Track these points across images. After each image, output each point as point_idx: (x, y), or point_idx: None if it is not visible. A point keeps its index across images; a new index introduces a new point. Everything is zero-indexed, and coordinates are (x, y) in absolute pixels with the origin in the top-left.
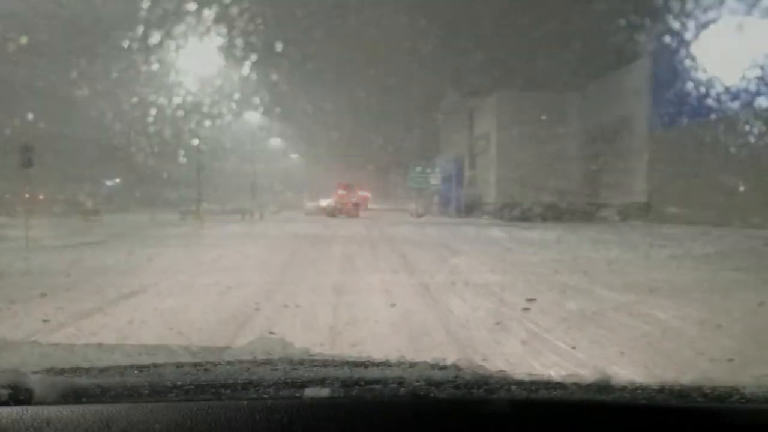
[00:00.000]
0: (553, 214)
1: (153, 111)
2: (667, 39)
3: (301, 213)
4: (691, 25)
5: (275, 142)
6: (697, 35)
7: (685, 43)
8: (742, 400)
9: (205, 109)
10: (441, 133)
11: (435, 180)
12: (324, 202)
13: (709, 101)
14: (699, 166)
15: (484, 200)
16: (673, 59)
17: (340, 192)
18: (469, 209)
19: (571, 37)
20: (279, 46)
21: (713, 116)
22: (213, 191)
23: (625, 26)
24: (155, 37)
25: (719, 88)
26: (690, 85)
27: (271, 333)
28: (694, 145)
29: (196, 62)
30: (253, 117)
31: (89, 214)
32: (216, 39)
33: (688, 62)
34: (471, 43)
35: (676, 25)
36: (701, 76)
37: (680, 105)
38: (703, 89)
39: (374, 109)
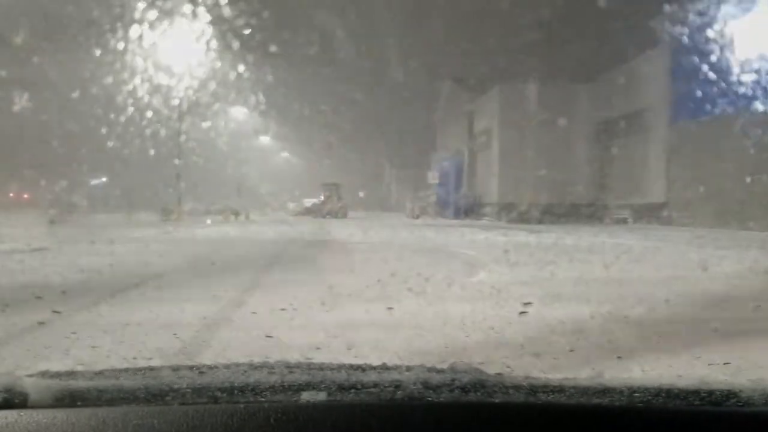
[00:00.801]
0: (559, 216)
1: (139, 109)
2: (687, 24)
3: (289, 212)
4: (712, 9)
5: (266, 140)
6: (719, 22)
7: (707, 30)
8: (740, 404)
9: (194, 107)
10: (439, 130)
11: (432, 179)
12: (309, 202)
13: (736, 92)
14: (723, 163)
15: (483, 200)
16: (695, 47)
17: (327, 192)
18: (468, 210)
19: (580, 25)
20: (272, 44)
21: (741, 109)
22: (200, 190)
23: (639, 12)
24: (143, 33)
25: (747, 78)
26: (714, 76)
27: (268, 336)
28: (717, 141)
29: (188, 59)
30: (244, 115)
31: (63, 214)
32: (208, 37)
33: (711, 50)
34: (471, 33)
35: (696, 8)
36: (727, 64)
37: (703, 97)
38: (729, 79)
39: (369, 106)
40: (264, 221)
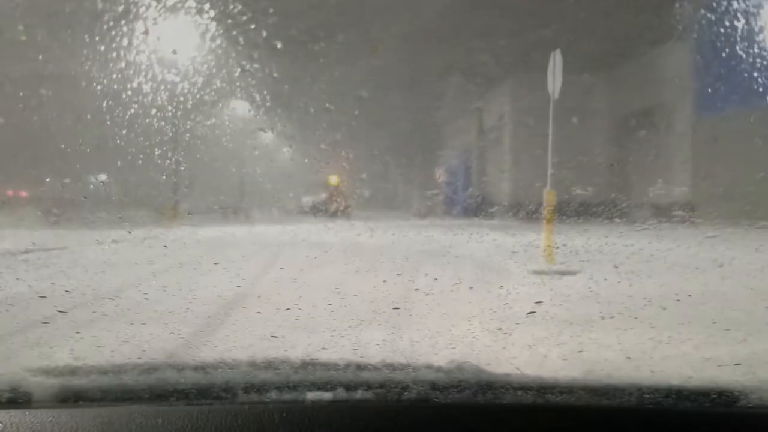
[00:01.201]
0: (569, 215)
1: (141, 105)
2: (716, 10)
3: (292, 212)
4: None
5: (270, 138)
6: (747, 9)
7: (740, 16)
8: (750, 405)
9: (197, 104)
10: (447, 128)
11: (439, 178)
12: (309, 201)
13: (755, 87)
14: (735, 160)
15: (493, 199)
16: (726, 34)
17: (331, 191)
18: (476, 209)
19: (594, 14)
20: (278, 41)
21: (755, 104)
22: (202, 188)
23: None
24: (147, 28)
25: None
26: (748, 65)
27: (273, 336)
28: (729, 138)
29: (191, 55)
30: (248, 112)
31: (65, 213)
32: (212, 32)
33: (744, 37)
34: (480, 22)
35: None
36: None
37: (733, 88)
38: (750, 74)
39: (375, 104)
40: (265, 221)
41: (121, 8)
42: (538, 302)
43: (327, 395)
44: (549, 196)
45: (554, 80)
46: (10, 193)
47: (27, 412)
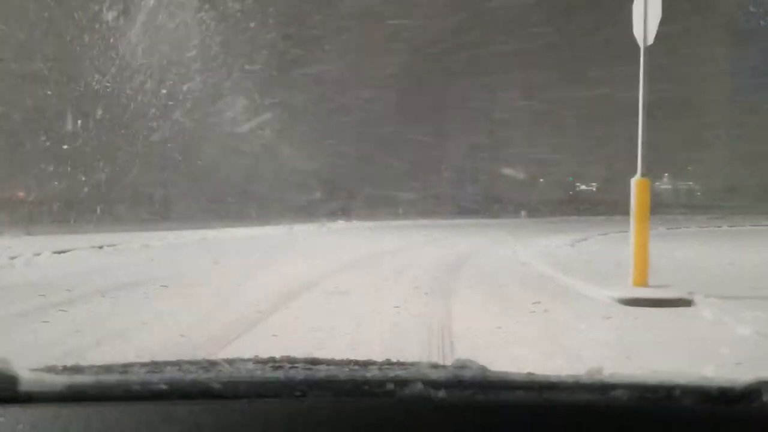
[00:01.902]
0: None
1: (138, 103)
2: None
3: (290, 211)
4: None
5: (269, 136)
6: None
7: None
8: (751, 405)
9: (197, 103)
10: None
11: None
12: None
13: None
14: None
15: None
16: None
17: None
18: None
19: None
20: (278, 40)
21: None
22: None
23: None
24: (146, 25)
25: None
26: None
27: (274, 336)
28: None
29: (190, 53)
30: (248, 111)
31: (62, 214)
32: (213, 30)
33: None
34: (489, 9)
35: None
36: None
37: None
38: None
39: (377, 101)
40: (263, 220)
41: (119, 6)
42: (536, 302)
43: (327, 393)
44: (641, 187)
45: (646, 19)
46: (9, 194)
47: (27, 410)
